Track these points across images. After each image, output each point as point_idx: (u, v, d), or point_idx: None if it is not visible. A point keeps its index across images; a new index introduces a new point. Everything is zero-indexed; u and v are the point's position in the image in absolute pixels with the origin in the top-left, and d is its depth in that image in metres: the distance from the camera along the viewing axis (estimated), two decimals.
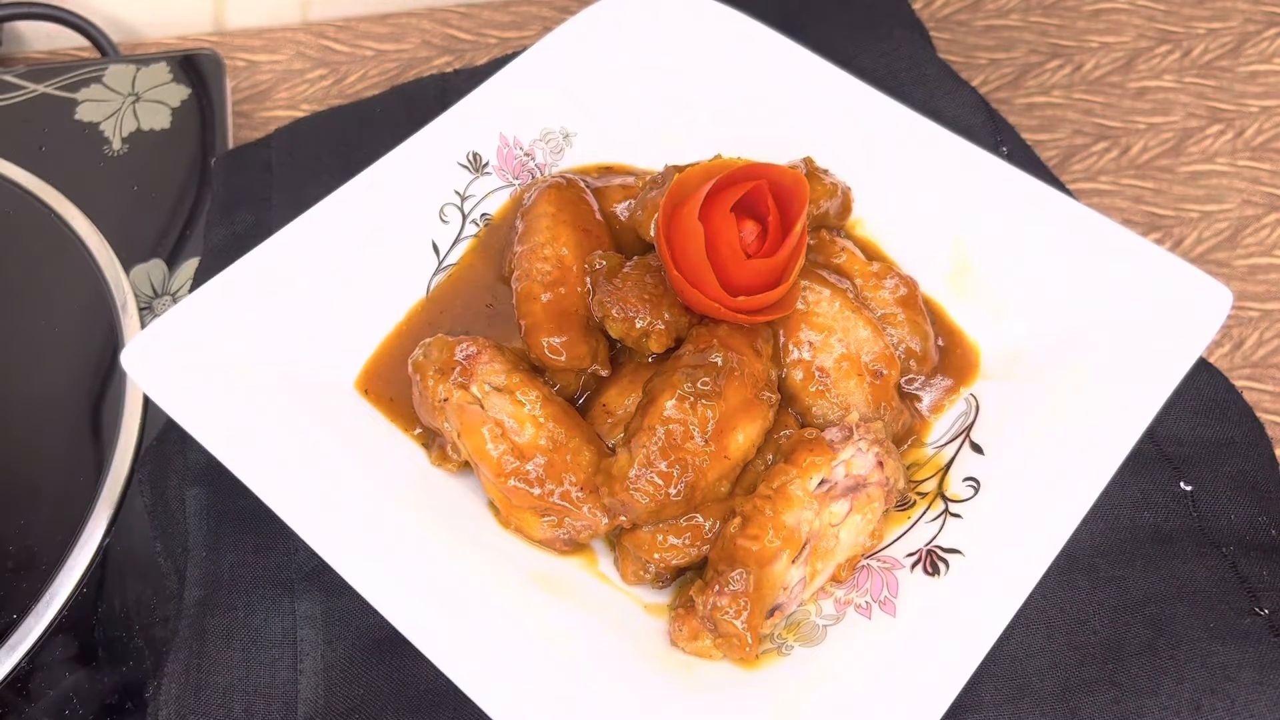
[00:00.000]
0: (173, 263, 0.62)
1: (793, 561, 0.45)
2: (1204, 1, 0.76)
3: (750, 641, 0.44)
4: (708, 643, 0.45)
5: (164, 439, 0.54)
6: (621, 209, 0.57)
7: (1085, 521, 0.44)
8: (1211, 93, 0.72)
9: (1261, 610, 0.48)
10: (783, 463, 0.47)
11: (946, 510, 0.48)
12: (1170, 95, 0.72)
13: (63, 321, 0.60)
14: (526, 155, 0.59)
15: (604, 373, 0.52)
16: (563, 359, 0.50)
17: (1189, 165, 0.69)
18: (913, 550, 0.48)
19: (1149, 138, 0.70)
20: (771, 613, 0.46)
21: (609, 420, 0.51)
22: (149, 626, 0.50)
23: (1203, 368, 0.56)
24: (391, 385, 0.53)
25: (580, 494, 0.47)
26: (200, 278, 0.59)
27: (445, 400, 0.48)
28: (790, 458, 0.47)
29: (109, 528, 0.52)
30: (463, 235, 0.57)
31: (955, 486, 0.49)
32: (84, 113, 0.68)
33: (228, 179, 0.63)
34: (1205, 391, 0.55)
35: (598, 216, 0.55)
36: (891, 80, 0.61)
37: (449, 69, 0.73)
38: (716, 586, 0.44)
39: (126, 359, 0.47)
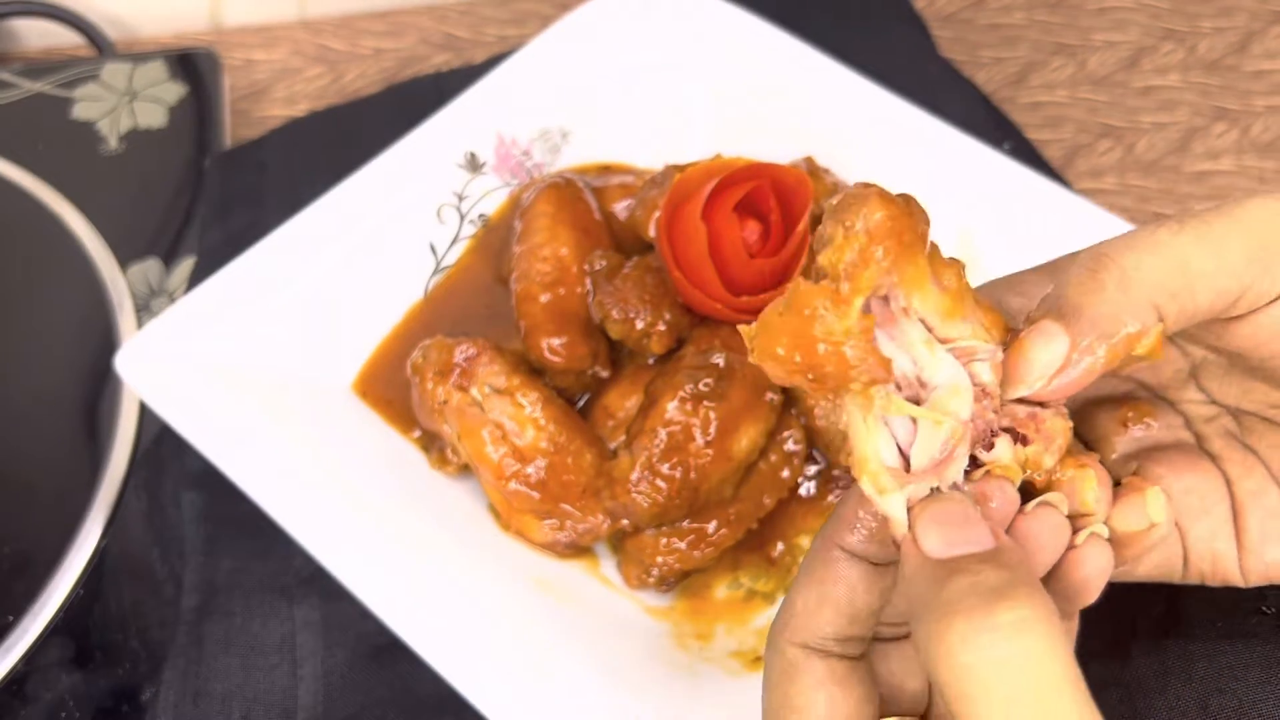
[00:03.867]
0: (170, 261, 0.62)
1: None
2: None
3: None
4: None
5: (161, 442, 0.53)
6: (621, 208, 0.56)
7: None
8: (1217, 91, 0.71)
9: (1269, 609, 0.48)
10: None
11: None
12: (1175, 93, 0.71)
13: (58, 320, 0.59)
14: (524, 154, 0.59)
15: (604, 374, 0.52)
16: (562, 360, 0.50)
17: (1194, 164, 0.68)
18: None
19: (1154, 136, 0.69)
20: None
21: (610, 422, 0.50)
22: (145, 629, 0.50)
23: None
24: (390, 388, 0.52)
25: (582, 497, 0.47)
26: (195, 280, 0.59)
27: (445, 403, 0.48)
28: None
29: (105, 529, 0.52)
30: (460, 236, 0.57)
31: None
32: (80, 111, 0.68)
33: (222, 180, 0.63)
34: None
35: (597, 216, 0.55)
36: (892, 76, 0.60)
37: (447, 67, 0.72)
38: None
39: (120, 363, 0.47)
